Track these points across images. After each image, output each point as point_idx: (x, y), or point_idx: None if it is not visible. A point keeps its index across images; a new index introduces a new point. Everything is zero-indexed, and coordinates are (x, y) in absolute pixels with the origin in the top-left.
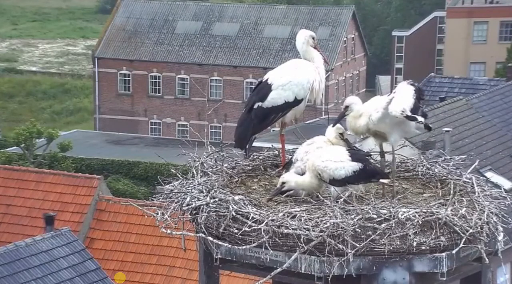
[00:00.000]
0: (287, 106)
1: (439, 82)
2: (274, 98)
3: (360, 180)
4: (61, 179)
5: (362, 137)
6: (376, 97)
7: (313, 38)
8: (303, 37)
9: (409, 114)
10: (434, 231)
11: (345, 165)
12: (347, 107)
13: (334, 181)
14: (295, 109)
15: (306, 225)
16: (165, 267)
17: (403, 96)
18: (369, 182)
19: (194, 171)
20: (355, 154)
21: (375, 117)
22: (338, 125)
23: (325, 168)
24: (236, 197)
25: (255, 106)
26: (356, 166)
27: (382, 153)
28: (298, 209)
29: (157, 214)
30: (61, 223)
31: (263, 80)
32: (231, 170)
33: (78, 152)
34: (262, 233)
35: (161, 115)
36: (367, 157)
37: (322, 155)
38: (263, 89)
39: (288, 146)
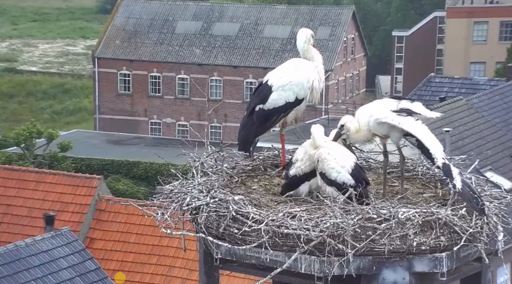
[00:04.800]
0: (288, 106)
1: (439, 82)
2: (275, 99)
3: (343, 191)
4: (61, 179)
5: (372, 143)
6: (376, 101)
7: (312, 37)
8: (305, 35)
9: (448, 164)
10: (434, 231)
11: (341, 172)
12: (342, 126)
13: (323, 175)
14: (296, 109)
15: (306, 225)
16: (165, 267)
17: (435, 142)
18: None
19: (194, 171)
20: (358, 172)
21: (374, 122)
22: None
23: (325, 160)
24: (236, 197)
25: (257, 109)
26: (348, 181)
27: (385, 153)
28: (298, 209)
29: (157, 214)
30: (61, 223)
31: (263, 82)
32: (231, 170)
33: (78, 152)
34: (262, 233)
35: (161, 115)
36: (366, 182)
37: (332, 149)
38: (264, 91)
39: (288, 146)
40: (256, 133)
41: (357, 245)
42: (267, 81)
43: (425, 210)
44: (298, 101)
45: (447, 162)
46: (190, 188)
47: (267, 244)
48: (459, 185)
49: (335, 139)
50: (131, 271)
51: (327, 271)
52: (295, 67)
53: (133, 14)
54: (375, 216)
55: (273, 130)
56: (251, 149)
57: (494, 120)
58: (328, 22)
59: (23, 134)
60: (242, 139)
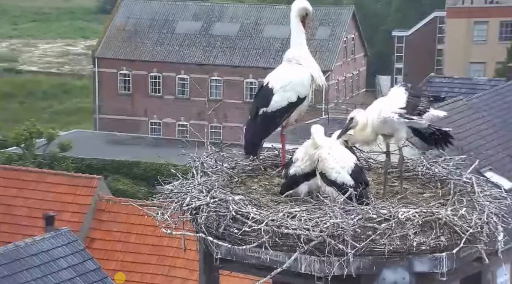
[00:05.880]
0: (291, 106)
1: (439, 82)
2: (278, 101)
3: (342, 192)
4: (61, 179)
5: (371, 147)
6: (378, 99)
7: (306, 13)
8: (296, 7)
9: (402, 114)
10: (434, 231)
11: (341, 173)
12: (351, 119)
13: (322, 175)
14: (299, 108)
15: (306, 225)
16: (165, 267)
17: (393, 99)
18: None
19: (194, 171)
20: (358, 173)
21: (377, 122)
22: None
23: (325, 160)
24: (236, 197)
25: (260, 112)
26: (348, 181)
27: (387, 153)
28: (298, 209)
29: (157, 214)
30: (61, 223)
31: (264, 85)
32: (231, 170)
33: (78, 152)
34: (262, 233)
35: (161, 115)
36: (366, 183)
37: (332, 149)
38: (265, 94)
39: (288, 146)
40: (261, 135)
41: (357, 245)
42: (267, 84)
43: (425, 210)
44: (300, 100)
45: (398, 115)
46: (190, 188)
47: (267, 244)
48: (423, 121)
49: (343, 132)
50: (131, 271)
51: (327, 271)
52: (293, 67)
53: (133, 14)
54: (375, 216)
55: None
56: (258, 152)
57: (494, 120)
58: (328, 22)
59: (23, 134)
60: (248, 143)
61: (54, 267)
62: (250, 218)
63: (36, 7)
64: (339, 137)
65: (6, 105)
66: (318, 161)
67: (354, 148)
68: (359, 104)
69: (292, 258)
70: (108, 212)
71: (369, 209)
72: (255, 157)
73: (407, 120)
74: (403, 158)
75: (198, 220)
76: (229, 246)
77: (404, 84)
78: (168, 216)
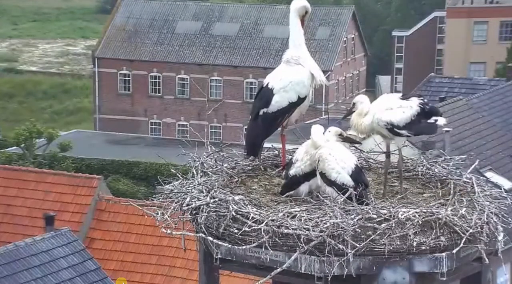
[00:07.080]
0: (292, 106)
1: (439, 82)
2: (278, 101)
3: (342, 192)
4: (61, 179)
5: (363, 136)
6: (384, 95)
7: (306, 12)
8: (294, 6)
9: (394, 127)
10: (434, 231)
11: (341, 173)
12: (354, 104)
13: (322, 175)
14: (300, 107)
15: (306, 225)
16: (165, 267)
17: (399, 109)
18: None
19: (194, 171)
20: (358, 174)
21: (379, 120)
22: (335, 128)
23: (326, 160)
24: (236, 197)
25: (261, 113)
26: (348, 182)
27: (387, 154)
28: (298, 209)
29: (157, 214)
30: (61, 223)
31: (264, 85)
32: (231, 170)
33: (78, 152)
34: (262, 233)
35: (161, 115)
36: (365, 184)
37: (333, 149)
38: (266, 95)
39: (288, 146)
40: (263, 136)
41: (357, 245)
42: (267, 84)
43: (425, 210)
44: (301, 100)
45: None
46: (190, 188)
47: (267, 244)
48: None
49: (345, 116)
50: (131, 271)
51: (327, 271)
52: (292, 67)
53: (133, 14)
54: (375, 216)
55: None
56: (259, 152)
57: (494, 120)
58: (328, 22)
59: (23, 134)
60: (249, 144)
61: (54, 267)
62: (250, 218)
63: (36, 7)
64: (343, 118)
65: (6, 105)
66: (318, 161)
67: (354, 148)
68: None
69: (292, 258)
70: (108, 212)
71: (369, 209)
72: (256, 158)
73: (410, 135)
74: (402, 158)
75: (198, 220)
76: (229, 246)
77: (422, 101)
78: (168, 216)
